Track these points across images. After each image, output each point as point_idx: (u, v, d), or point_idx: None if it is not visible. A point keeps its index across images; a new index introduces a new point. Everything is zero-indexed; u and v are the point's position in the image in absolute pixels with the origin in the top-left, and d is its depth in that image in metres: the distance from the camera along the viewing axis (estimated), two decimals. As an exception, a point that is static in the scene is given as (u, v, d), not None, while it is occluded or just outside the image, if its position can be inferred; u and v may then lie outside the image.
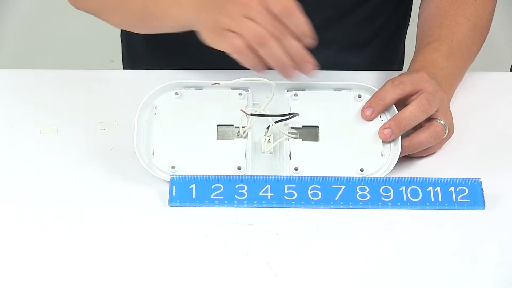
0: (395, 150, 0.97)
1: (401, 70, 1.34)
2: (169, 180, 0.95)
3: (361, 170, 0.96)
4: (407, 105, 0.97)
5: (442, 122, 0.96)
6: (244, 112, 0.97)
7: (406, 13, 1.27)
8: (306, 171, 0.96)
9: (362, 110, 0.98)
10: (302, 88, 1.01)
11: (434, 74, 1.00)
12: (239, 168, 0.96)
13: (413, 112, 0.95)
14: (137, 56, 1.13)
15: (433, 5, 1.11)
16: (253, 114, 0.97)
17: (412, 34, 1.16)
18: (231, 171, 0.96)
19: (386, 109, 0.98)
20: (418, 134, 0.96)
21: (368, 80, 1.02)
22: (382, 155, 0.97)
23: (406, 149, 0.96)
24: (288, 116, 0.97)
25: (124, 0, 1.01)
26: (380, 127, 0.97)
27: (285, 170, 0.97)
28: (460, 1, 1.09)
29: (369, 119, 0.98)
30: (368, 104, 0.98)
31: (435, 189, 0.94)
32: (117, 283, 0.86)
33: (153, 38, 1.25)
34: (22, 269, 0.87)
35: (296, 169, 0.96)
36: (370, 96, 1.00)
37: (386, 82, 0.98)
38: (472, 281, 0.87)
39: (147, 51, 1.26)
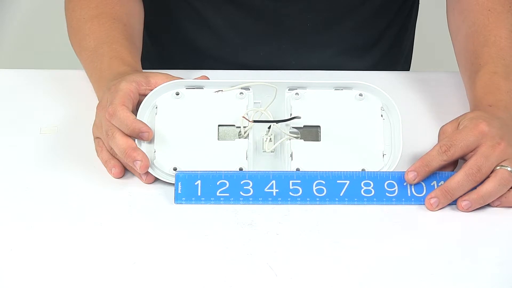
0: (396, 149, 0.97)
1: (408, 69, 1.34)
2: (169, 181, 0.95)
3: (363, 170, 0.96)
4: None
5: (509, 168, 0.93)
6: (246, 119, 0.97)
7: (411, 12, 1.27)
8: (308, 172, 0.96)
9: (406, 173, 0.94)
10: (303, 87, 1.01)
11: (502, 101, 0.99)
12: (240, 169, 0.96)
13: (461, 182, 0.93)
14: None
15: (468, 21, 1.08)
16: (255, 121, 0.97)
17: (421, 30, 1.15)
18: (232, 172, 0.96)
19: (430, 174, 0.95)
20: (485, 184, 0.93)
21: (370, 80, 1.01)
22: (383, 154, 0.97)
23: (476, 201, 0.93)
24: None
25: (82, 60, 1.10)
26: (427, 197, 0.94)
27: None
28: (496, 12, 1.07)
29: (412, 183, 0.95)
30: (413, 168, 0.94)
31: (439, 183, 0.95)
32: (117, 283, 0.86)
33: (158, 36, 1.26)
34: (22, 269, 0.87)
35: (297, 169, 0.96)
36: (372, 95, 1.00)
37: (435, 146, 0.95)
38: (472, 281, 0.87)
39: (152, 50, 1.27)
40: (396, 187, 0.95)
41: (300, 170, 0.96)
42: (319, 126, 0.99)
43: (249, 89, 1.00)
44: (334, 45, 1.20)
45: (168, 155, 0.97)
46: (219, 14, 1.18)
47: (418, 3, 1.28)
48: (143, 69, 1.06)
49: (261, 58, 1.20)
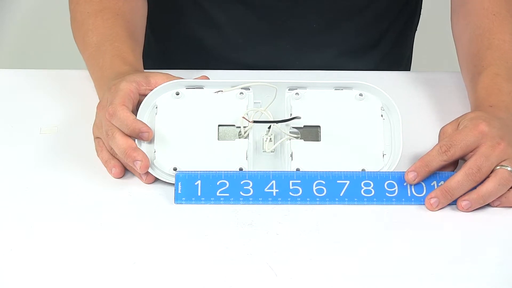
0: (396, 149, 0.97)
1: (409, 69, 1.34)
2: (169, 181, 0.95)
3: (363, 170, 0.96)
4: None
5: (509, 168, 0.93)
6: (246, 119, 0.97)
7: (414, 12, 1.26)
8: (308, 172, 0.96)
9: (406, 173, 0.94)
10: (303, 87, 1.01)
11: (504, 102, 0.99)
12: (240, 169, 0.96)
13: (461, 182, 0.93)
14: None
15: (472, 25, 1.08)
16: (255, 121, 0.97)
17: (423, 30, 1.14)
18: (232, 172, 0.96)
19: (430, 175, 0.95)
20: (485, 184, 0.93)
21: (370, 80, 1.01)
22: (383, 154, 0.97)
23: (476, 201, 0.93)
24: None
25: (84, 56, 1.09)
26: (427, 197, 0.94)
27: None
28: (501, 16, 1.07)
29: (412, 183, 0.95)
30: (413, 168, 0.94)
31: (439, 184, 0.95)
32: (117, 283, 0.86)
33: (162, 34, 1.26)
34: (22, 269, 0.87)
35: (297, 169, 0.96)
36: (372, 95, 1.00)
37: (435, 146, 0.95)
38: (472, 281, 0.87)
39: (154, 48, 1.27)
40: (396, 187, 0.95)
41: (300, 170, 0.96)
42: (319, 126, 0.99)
43: (249, 89, 1.00)
44: (336, 46, 1.20)
45: (168, 155, 0.97)
46: (224, 13, 1.18)
47: (421, 6, 1.28)
48: (145, 67, 1.06)
49: (263, 58, 1.20)
